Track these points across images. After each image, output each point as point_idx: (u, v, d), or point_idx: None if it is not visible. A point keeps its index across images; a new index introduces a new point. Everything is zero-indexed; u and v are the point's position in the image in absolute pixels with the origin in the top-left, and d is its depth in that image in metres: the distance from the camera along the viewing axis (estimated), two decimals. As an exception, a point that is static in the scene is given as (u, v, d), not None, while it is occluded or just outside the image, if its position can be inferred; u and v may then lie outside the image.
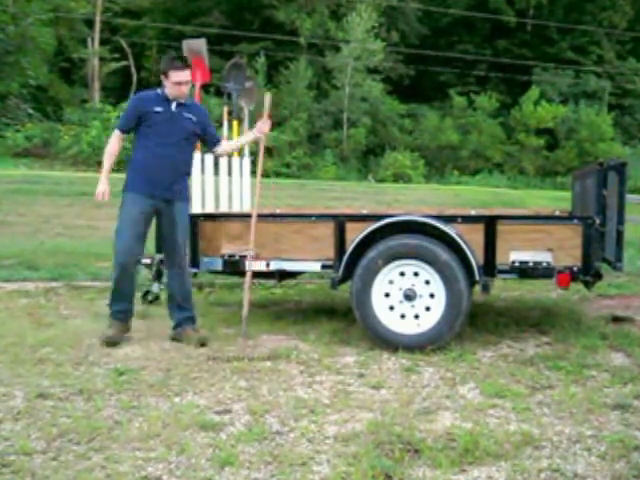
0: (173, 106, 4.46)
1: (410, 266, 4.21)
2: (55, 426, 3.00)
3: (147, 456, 2.70)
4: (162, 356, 4.12)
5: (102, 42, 27.98)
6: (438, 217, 4.33)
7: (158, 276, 5.69)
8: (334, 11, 30.40)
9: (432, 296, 4.19)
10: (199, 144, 4.91)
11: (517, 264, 4.16)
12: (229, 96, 5.98)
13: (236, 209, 6.03)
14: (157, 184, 4.42)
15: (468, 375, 3.75)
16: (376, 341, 4.26)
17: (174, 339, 4.50)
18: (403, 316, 4.23)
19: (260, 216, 4.56)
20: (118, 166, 5.38)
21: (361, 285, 4.22)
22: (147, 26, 30.47)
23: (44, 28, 24.37)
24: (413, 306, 4.22)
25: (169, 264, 4.59)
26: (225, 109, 5.93)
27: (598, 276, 4.18)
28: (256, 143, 4.94)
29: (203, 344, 4.35)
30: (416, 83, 32.56)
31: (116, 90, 28.93)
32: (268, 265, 4.52)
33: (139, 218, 4.41)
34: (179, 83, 4.40)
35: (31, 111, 24.68)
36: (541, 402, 3.32)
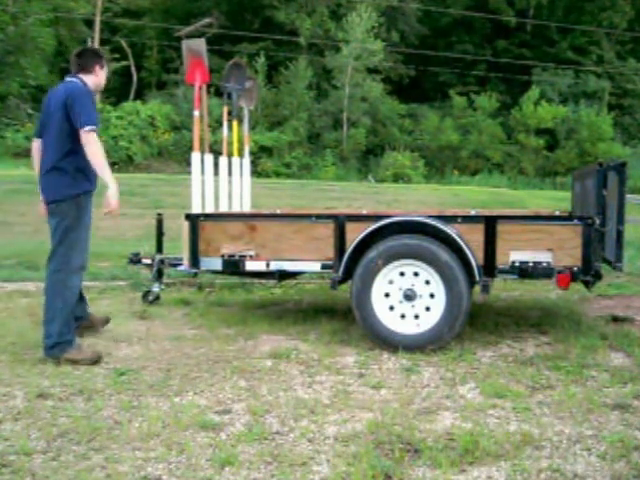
0: None
1: (410, 266, 4.21)
2: (55, 426, 3.00)
3: (147, 456, 2.71)
4: (162, 356, 4.13)
5: (102, 42, 27.92)
6: (438, 217, 4.33)
7: (159, 276, 5.71)
8: (334, 11, 30.36)
9: (432, 296, 4.19)
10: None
11: (517, 264, 4.16)
12: (229, 96, 5.98)
13: (236, 209, 6.03)
14: (93, 180, 4.13)
15: (468, 375, 3.75)
16: (376, 341, 4.26)
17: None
18: (403, 316, 4.24)
19: (260, 216, 4.55)
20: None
21: (361, 285, 4.22)
22: (147, 26, 30.46)
23: (44, 28, 24.35)
24: (413, 306, 4.22)
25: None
26: (225, 109, 5.94)
27: (598, 276, 4.18)
28: (255, 142, 4.96)
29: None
30: (416, 83, 32.54)
31: (116, 90, 28.91)
32: (268, 265, 4.52)
33: (90, 222, 4.15)
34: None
35: (31, 111, 24.63)
36: (541, 402, 3.33)
